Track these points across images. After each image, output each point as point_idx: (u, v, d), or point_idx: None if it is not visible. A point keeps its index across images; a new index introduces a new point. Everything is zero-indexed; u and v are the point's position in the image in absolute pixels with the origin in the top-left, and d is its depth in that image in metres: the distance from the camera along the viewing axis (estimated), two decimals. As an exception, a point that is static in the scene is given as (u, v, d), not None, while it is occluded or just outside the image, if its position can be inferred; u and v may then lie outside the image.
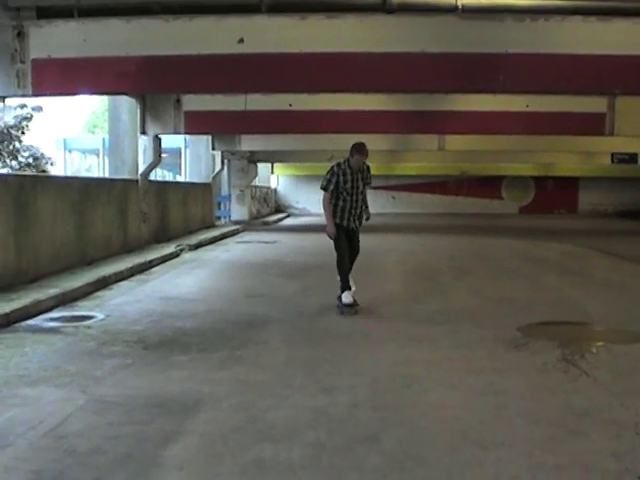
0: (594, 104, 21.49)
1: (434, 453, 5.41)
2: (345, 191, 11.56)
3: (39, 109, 31.81)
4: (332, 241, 11.71)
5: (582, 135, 26.64)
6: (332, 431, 5.84)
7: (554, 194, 52.58)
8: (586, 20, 13.09)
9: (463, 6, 12.82)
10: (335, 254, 11.72)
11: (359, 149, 11.50)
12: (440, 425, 6.04)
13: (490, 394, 6.97)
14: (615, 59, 13.32)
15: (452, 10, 12.86)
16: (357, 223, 11.78)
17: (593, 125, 22.44)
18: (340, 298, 11.49)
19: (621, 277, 16.44)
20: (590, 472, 5.09)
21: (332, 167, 11.70)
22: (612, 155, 36.58)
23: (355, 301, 11.43)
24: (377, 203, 41.26)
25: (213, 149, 31.28)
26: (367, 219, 12.26)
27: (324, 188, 11.58)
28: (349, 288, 11.46)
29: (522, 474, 5.05)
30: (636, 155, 35.88)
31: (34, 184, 13.70)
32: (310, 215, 45.38)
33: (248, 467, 5.12)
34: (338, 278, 11.67)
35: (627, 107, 21.51)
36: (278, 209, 49.97)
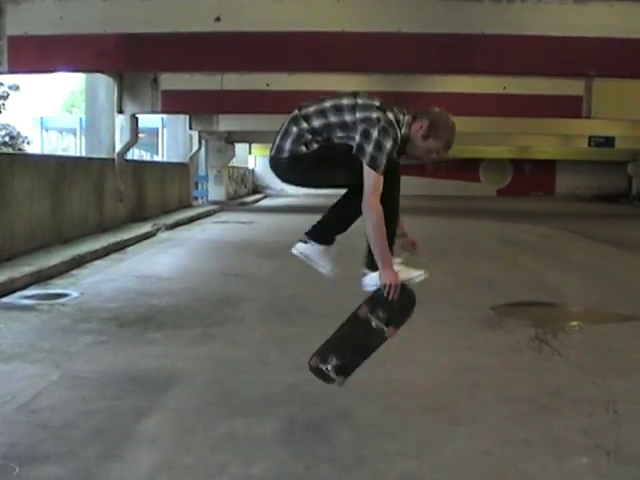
0: (571, 86, 21.54)
1: (406, 428, 5.43)
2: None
3: (16, 88, 31.67)
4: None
5: (559, 118, 26.76)
6: (305, 406, 5.86)
7: (532, 177, 52.83)
8: (562, 2, 13.14)
9: (441, -14, 12.83)
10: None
11: (447, 130, 5.63)
12: (413, 401, 6.07)
13: (463, 372, 7.00)
14: (591, 41, 13.37)
15: (430, -10, 12.87)
16: None
17: (570, 108, 22.50)
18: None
19: (597, 259, 16.53)
20: (560, 447, 5.12)
21: (383, 120, 5.32)
22: (589, 138, 36.75)
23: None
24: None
25: (190, 129, 31.26)
26: None
27: (376, 165, 5.28)
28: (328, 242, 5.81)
29: (493, 449, 5.08)
30: (613, 138, 36.06)
31: (10, 163, 13.64)
32: (287, 196, 45.32)
33: (220, 441, 5.13)
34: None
35: (604, 90, 21.56)
36: (255, 190, 49.91)
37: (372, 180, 5.20)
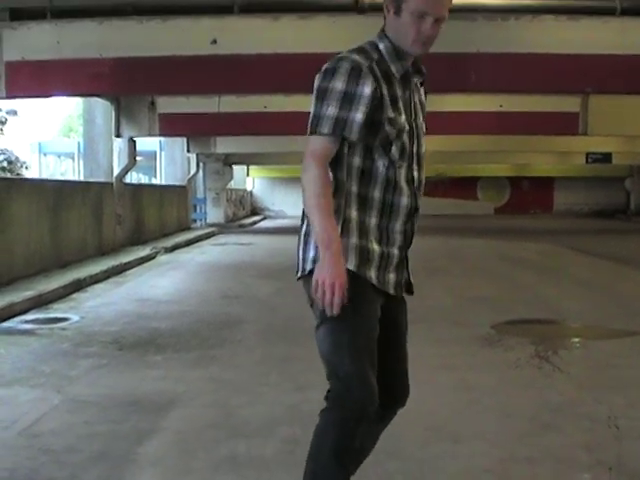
0: (567, 103, 21.62)
1: (407, 447, 5.43)
2: (398, 142, 3.64)
3: (14, 113, 31.73)
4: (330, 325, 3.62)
5: (556, 135, 26.83)
6: (306, 427, 5.82)
7: (529, 194, 52.78)
8: (557, 19, 13.20)
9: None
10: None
11: None
12: (413, 419, 6.05)
13: (463, 390, 7.01)
14: (586, 58, 13.42)
15: (424, 10, 12.92)
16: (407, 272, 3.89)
17: (567, 125, 22.59)
18: None
19: (596, 275, 16.56)
20: (561, 464, 5.14)
21: (345, 59, 3.58)
22: (587, 155, 36.80)
23: None
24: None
25: (188, 152, 31.26)
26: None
27: (320, 129, 3.51)
28: None
29: (494, 467, 5.08)
30: (610, 155, 36.11)
31: (8, 187, 13.68)
32: (286, 218, 45.33)
33: (222, 462, 5.13)
34: None
35: (600, 106, 21.63)
36: (254, 212, 49.87)
37: (310, 143, 3.54)
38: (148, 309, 11.62)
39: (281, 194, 49.84)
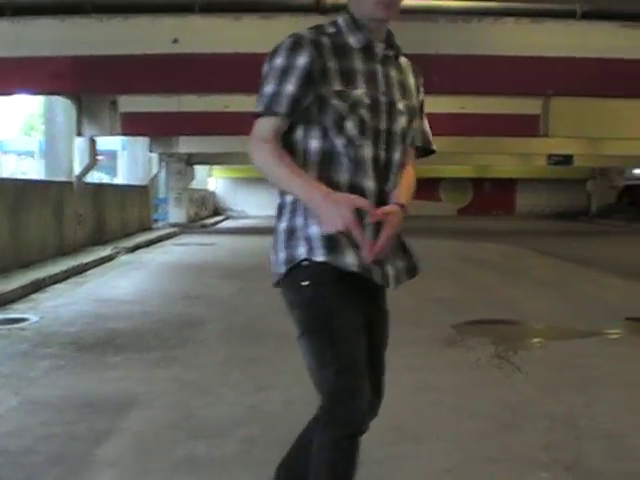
0: (529, 106, 21.76)
1: (368, 447, 5.37)
2: (354, 117, 3.32)
3: (-27, 112, 31.48)
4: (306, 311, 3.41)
5: (517, 136, 27.02)
6: (266, 427, 5.83)
7: (492, 196, 53.11)
8: (518, 22, 13.28)
9: (398, 7, 12.92)
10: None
11: None
12: (375, 420, 6.04)
13: (425, 390, 7.01)
14: (548, 61, 13.50)
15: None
16: (399, 267, 3.63)
17: (528, 126, 22.74)
18: None
19: (557, 276, 16.66)
20: (521, 463, 5.16)
21: (290, 35, 3.38)
22: (548, 157, 37.02)
23: None
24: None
25: (150, 151, 31.11)
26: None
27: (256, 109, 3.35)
28: None
29: (454, 467, 5.09)
30: (571, 156, 36.36)
31: (-33, 186, 13.53)
32: (248, 218, 45.30)
33: (180, 463, 5.10)
34: None
35: (561, 108, 21.78)
36: (216, 212, 49.76)
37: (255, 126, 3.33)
38: (108, 309, 11.53)
39: (243, 194, 49.83)
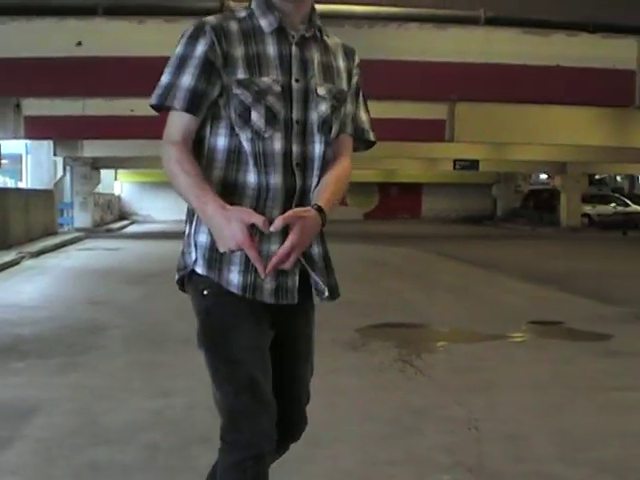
0: (435, 111, 22.01)
1: (270, 451, 5.45)
2: (259, 107, 2.97)
3: None
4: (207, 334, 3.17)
5: (423, 141, 27.29)
6: (168, 432, 5.83)
7: (398, 200, 53.53)
8: (422, 27, 13.43)
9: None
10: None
11: None
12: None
13: (326, 393, 6.99)
14: (452, 66, 13.69)
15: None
16: (323, 277, 3.32)
17: (434, 131, 23.00)
18: None
19: (462, 280, 16.85)
20: (422, 466, 5.22)
21: (195, 22, 3.00)
22: (454, 161, 37.50)
23: None
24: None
25: (55, 155, 30.73)
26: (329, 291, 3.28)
27: (160, 103, 3.05)
28: None
29: (354, 469, 5.14)
30: (477, 161, 36.91)
31: None
32: (154, 222, 45.01)
33: (82, 470, 5.08)
34: None
35: (466, 114, 22.08)
36: (122, 216, 49.32)
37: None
38: (12, 315, 11.37)
39: (149, 199, 49.47)
